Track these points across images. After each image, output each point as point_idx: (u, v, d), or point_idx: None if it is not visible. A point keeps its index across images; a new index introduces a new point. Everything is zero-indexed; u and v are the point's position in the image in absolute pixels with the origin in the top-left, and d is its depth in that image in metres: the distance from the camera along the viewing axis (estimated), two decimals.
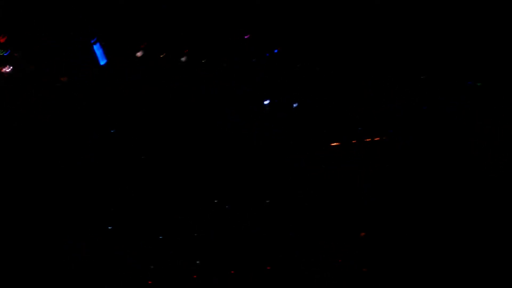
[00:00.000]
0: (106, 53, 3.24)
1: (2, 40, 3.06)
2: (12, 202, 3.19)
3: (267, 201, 3.55)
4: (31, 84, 3.25)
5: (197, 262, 3.38)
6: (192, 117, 3.49)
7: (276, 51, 3.48)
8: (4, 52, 3.09)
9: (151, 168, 3.44)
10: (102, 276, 3.24)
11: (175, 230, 3.42)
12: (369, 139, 3.71)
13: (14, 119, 3.22)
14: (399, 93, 3.75)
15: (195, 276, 3.37)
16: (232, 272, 3.40)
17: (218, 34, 3.46)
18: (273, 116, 3.62)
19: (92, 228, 3.30)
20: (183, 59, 3.37)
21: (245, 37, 3.44)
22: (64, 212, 3.27)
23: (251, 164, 3.57)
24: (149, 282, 3.32)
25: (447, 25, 3.67)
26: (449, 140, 3.68)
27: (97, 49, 3.21)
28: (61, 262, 3.21)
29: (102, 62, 3.22)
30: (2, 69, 3.13)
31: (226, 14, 3.44)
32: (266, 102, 3.59)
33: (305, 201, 3.59)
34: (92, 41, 3.18)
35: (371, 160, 3.70)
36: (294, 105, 3.63)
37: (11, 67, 3.15)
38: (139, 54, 3.28)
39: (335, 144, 3.68)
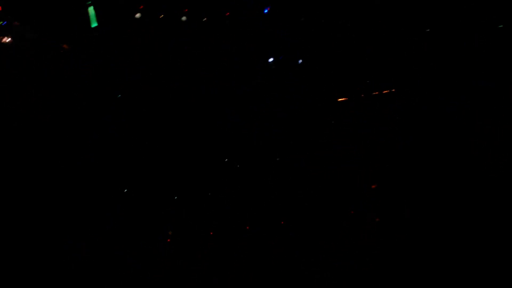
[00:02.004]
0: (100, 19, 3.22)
1: None
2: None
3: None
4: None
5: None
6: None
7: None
8: (1, 23, 3.08)
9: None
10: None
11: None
12: (377, 92, 3.68)
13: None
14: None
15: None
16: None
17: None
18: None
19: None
20: (183, 18, 3.33)
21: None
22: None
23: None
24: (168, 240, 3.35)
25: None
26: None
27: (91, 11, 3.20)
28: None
29: (93, 25, 3.21)
30: (2, 39, 3.12)
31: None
32: (270, 60, 3.55)
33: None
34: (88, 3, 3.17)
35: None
36: (299, 61, 3.60)
37: (11, 37, 3.15)
38: (137, 15, 3.25)
39: (342, 99, 3.67)
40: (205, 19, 3.38)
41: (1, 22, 3.13)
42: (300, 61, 3.61)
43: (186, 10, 3.34)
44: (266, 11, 3.43)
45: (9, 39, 3.17)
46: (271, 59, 3.55)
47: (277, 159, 3.56)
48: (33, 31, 3.22)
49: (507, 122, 3.57)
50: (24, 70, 3.24)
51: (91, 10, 3.20)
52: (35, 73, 3.26)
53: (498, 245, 3.37)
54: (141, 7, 3.29)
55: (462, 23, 3.66)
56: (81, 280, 3.21)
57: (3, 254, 3.13)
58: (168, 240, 3.36)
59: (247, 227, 3.47)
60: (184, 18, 3.33)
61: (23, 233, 3.19)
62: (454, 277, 3.32)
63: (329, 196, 3.62)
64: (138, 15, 3.26)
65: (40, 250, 3.20)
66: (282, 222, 3.51)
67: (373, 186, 3.64)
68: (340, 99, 3.71)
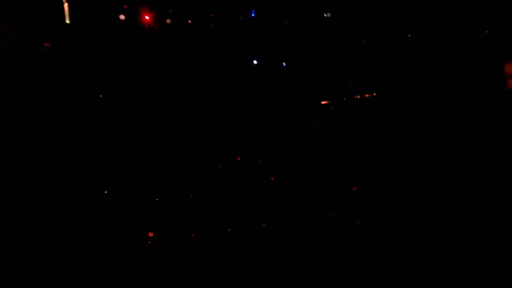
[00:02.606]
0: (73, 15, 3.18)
1: None
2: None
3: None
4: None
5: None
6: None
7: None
8: None
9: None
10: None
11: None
12: (358, 96, 3.71)
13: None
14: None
15: None
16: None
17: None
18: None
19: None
20: (167, 21, 3.31)
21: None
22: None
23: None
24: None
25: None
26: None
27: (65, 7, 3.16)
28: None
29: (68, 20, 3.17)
30: None
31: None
32: (255, 62, 3.55)
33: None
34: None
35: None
36: (283, 64, 3.61)
37: None
38: (122, 17, 3.22)
39: (325, 102, 3.70)
40: (190, 21, 3.37)
41: None
42: (284, 64, 3.62)
43: (170, 11, 3.32)
44: (253, 14, 3.43)
45: None
46: (255, 61, 3.55)
47: (260, 161, 3.59)
48: (13, 29, 3.17)
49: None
50: (6, 69, 3.19)
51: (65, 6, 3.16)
52: (18, 72, 3.22)
53: (496, 245, 3.43)
54: (125, 6, 3.26)
55: (446, 27, 3.70)
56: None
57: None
58: (149, 242, 3.36)
59: (229, 229, 3.49)
60: (168, 20, 3.31)
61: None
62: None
63: (310, 199, 3.66)
64: (122, 17, 3.23)
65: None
66: (264, 224, 3.54)
67: (354, 189, 3.69)
68: (323, 102, 3.74)
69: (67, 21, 3.17)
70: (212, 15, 3.38)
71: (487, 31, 3.68)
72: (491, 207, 3.55)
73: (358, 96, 3.74)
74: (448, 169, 3.68)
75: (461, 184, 3.63)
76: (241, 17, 3.46)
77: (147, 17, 3.26)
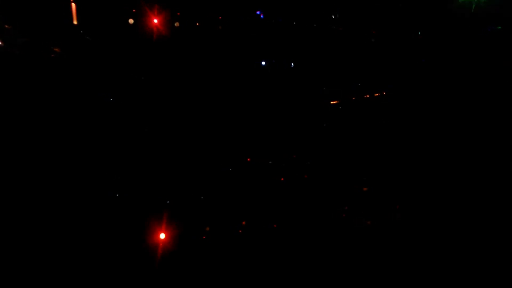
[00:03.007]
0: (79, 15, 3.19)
1: None
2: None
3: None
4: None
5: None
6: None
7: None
8: None
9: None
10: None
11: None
12: (368, 96, 3.70)
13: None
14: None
15: None
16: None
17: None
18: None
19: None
20: (176, 24, 3.32)
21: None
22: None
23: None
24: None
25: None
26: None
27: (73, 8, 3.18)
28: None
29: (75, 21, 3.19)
30: None
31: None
32: (263, 63, 3.55)
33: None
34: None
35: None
36: (291, 64, 3.61)
37: (2, 41, 3.12)
38: (131, 21, 3.24)
39: (334, 102, 3.69)
40: (198, 23, 3.38)
41: None
42: (292, 64, 3.62)
43: (179, 14, 3.33)
44: (262, 16, 3.43)
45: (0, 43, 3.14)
46: (263, 63, 3.55)
47: (270, 162, 3.59)
48: (23, 34, 3.19)
49: (507, 122, 3.58)
50: (16, 74, 3.21)
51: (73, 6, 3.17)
52: (27, 77, 3.24)
53: (496, 246, 3.41)
54: (134, 10, 3.27)
55: (454, 26, 3.68)
56: (81, 280, 3.21)
57: (3, 254, 3.12)
58: (160, 245, 3.37)
59: (240, 231, 3.50)
60: (176, 23, 3.32)
61: (23, 233, 3.18)
62: (445, 281, 3.37)
63: (321, 199, 3.65)
64: (131, 21, 3.24)
65: (39, 250, 3.19)
66: (275, 226, 3.55)
67: (364, 189, 3.68)
68: (332, 102, 3.74)
69: (75, 22, 3.19)
70: (220, 17, 3.39)
71: (499, 27, 3.65)
72: (496, 206, 3.53)
73: (368, 96, 3.73)
74: (460, 170, 3.65)
75: (472, 184, 3.61)
76: (249, 19, 3.46)
77: (155, 21, 3.27)
